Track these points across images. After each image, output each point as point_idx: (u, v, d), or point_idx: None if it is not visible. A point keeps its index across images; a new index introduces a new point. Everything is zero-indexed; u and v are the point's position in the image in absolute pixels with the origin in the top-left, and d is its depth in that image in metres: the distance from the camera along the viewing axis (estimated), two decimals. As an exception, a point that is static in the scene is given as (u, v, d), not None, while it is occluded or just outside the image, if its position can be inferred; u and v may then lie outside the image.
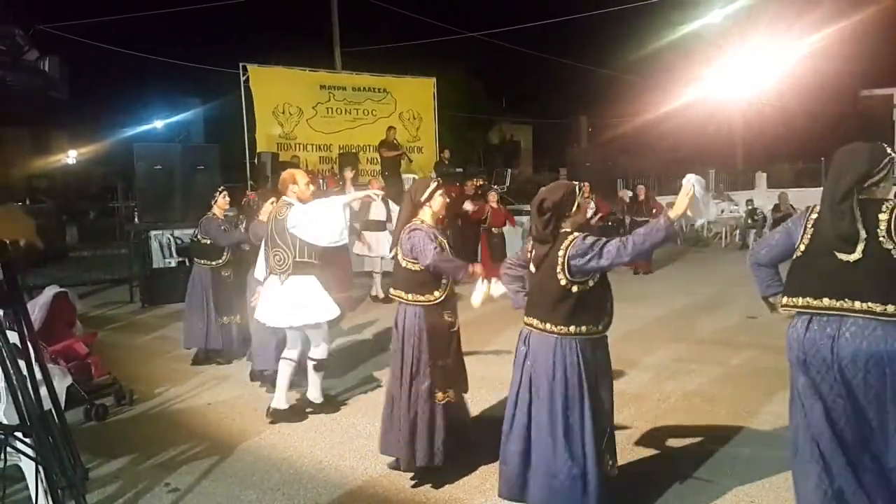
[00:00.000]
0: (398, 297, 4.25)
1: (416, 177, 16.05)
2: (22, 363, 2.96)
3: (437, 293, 4.16)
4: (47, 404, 3.05)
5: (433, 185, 4.30)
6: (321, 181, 14.00)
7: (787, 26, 22.78)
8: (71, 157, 39.03)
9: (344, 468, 4.46)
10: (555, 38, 26.41)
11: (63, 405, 4.53)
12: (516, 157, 24.73)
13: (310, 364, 5.39)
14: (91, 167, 38.40)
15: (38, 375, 3.04)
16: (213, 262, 7.13)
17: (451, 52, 24.47)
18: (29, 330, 3.09)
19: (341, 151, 17.00)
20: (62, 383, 5.23)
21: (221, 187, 7.48)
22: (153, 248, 11.85)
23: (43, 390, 3.05)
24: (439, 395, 4.11)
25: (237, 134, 16.87)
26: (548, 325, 3.44)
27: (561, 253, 3.38)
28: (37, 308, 5.74)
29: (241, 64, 16.43)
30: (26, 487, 3.66)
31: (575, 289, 3.37)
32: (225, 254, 7.13)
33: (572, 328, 3.40)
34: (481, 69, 30.79)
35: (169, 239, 12.02)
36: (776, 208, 16.40)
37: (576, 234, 3.43)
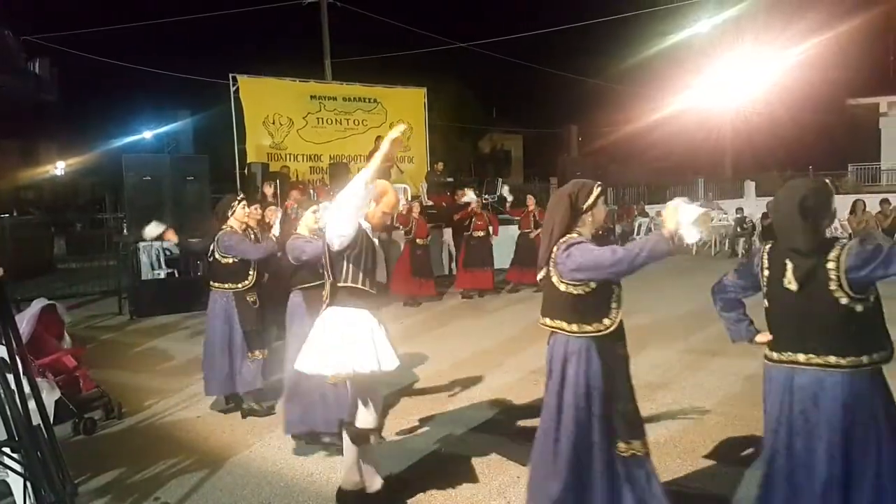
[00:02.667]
0: (558, 328, 3.35)
1: (407, 187, 16.08)
2: (10, 377, 2.93)
3: (606, 321, 3.33)
4: (35, 419, 3.01)
5: (597, 189, 3.44)
6: (311, 192, 13.98)
7: (775, 36, 22.99)
8: (59, 168, 38.90)
9: (335, 481, 4.41)
10: (545, 48, 26.64)
11: (51, 419, 4.48)
12: (507, 166, 24.82)
13: (345, 432, 4.07)
14: (79, 178, 38.27)
15: (27, 389, 3.01)
16: (240, 285, 5.78)
17: (442, 63, 24.61)
18: (17, 343, 3.06)
19: (332, 162, 17.00)
20: (50, 397, 5.18)
21: (241, 195, 6.23)
22: (142, 259, 11.78)
23: (31, 404, 3.02)
24: (621, 445, 3.30)
25: (227, 144, 16.86)
26: (832, 358, 2.90)
27: (832, 265, 2.88)
28: (24, 321, 5.68)
29: (230, 74, 16.43)
30: (14, 503, 3.62)
31: (859, 308, 2.88)
32: (251, 273, 5.81)
33: (864, 358, 2.89)
34: (472, 79, 30.97)
35: (158, 250, 11.96)
36: (765, 216, 16.52)
37: (848, 240, 2.96)
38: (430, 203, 15.89)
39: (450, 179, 17.01)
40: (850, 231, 15.33)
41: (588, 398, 3.24)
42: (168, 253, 12.04)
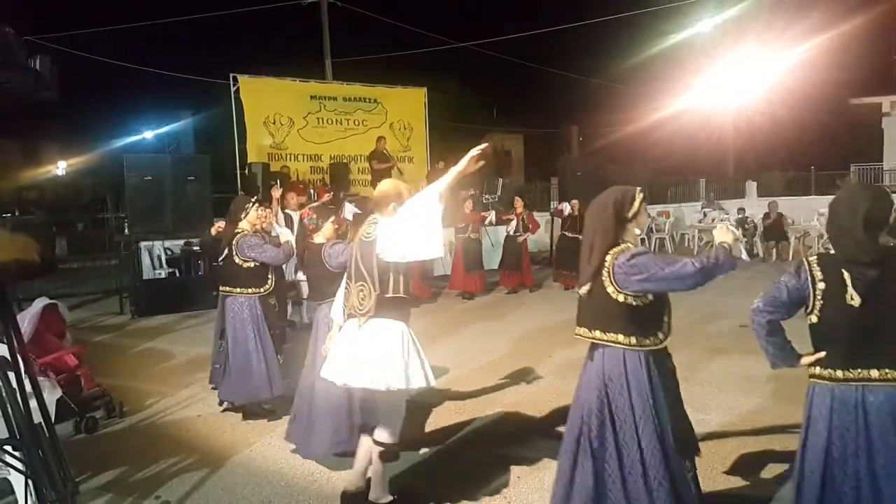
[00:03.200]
0: (612, 341, 3.19)
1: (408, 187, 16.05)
2: (11, 375, 2.93)
3: (661, 334, 3.24)
4: (37, 417, 3.01)
5: (639, 195, 3.33)
6: (311, 192, 13.99)
7: (777, 36, 22.98)
8: (61, 168, 38.93)
9: (336, 480, 4.42)
10: (546, 48, 26.60)
11: (53, 418, 4.49)
12: (508, 166, 24.83)
13: (374, 449, 3.97)
14: (81, 178, 38.28)
15: (28, 388, 3.01)
16: (262, 289, 5.66)
17: (443, 63, 24.60)
18: (18, 342, 3.06)
19: (332, 162, 17.00)
20: (52, 396, 5.18)
21: (256, 197, 6.05)
22: (143, 259, 11.79)
23: (33, 403, 3.02)
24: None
25: (228, 144, 16.85)
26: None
27: None
28: (26, 320, 5.69)
29: (231, 74, 16.42)
30: (16, 501, 3.62)
31: None
32: (270, 276, 5.74)
33: None
34: (473, 79, 30.95)
35: (159, 250, 11.97)
36: (766, 216, 16.51)
37: None
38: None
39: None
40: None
41: (649, 414, 3.12)
42: (169, 252, 12.05)
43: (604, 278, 3.16)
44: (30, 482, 2.88)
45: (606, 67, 27.65)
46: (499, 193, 17.88)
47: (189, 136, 19.86)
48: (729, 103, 25.26)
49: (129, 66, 20.66)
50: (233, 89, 16.37)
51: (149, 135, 32.12)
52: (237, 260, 5.59)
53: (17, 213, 23.32)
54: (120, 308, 11.36)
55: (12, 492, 3.67)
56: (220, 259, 5.81)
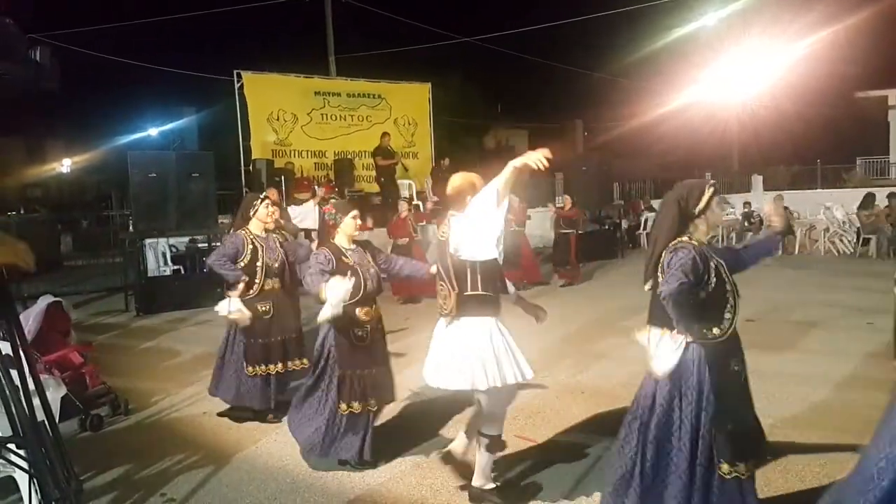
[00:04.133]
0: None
1: (412, 182, 16.05)
2: (14, 374, 2.93)
3: (716, 330, 3.15)
4: (41, 415, 3.01)
5: (709, 189, 3.24)
6: (316, 188, 13.97)
7: (782, 29, 22.85)
8: (65, 165, 39.03)
9: (342, 477, 4.41)
10: (550, 42, 26.56)
11: (58, 416, 4.49)
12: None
13: (481, 441, 3.98)
14: (85, 176, 38.36)
15: (32, 386, 3.01)
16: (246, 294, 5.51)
17: (447, 58, 24.56)
18: (21, 340, 3.06)
19: (336, 158, 17.01)
20: (57, 393, 5.19)
21: (264, 194, 5.90)
22: (148, 256, 11.80)
23: (36, 401, 3.02)
24: (724, 467, 3.13)
25: (232, 141, 16.87)
26: None
27: None
28: (31, 318, 5.69)
29: (235, 71, 16.43)
30: (20, 499, 3.62)
31: None
32: (257, 283, 5.52)
33: None
34: (477, 74, 30.87)
35: (164, 247, 11.98)
36: (772, 211, 16.42)
37: None
38: (437, 199, 15.86)
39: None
40: (859, 225, 15.24)
41: (696, 411, 3.10)
42: (174, 250, 12.06)
43: (660, 275, 3.17)
44: (34, 480, 2.88)
45: (611, 62, 27.57)
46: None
47: (193, 133, 19.95)
48: (734, 97, 25.16)
49: (132, 63, 20.67)
50: (236, 86, 16.39)
51: (153, 132, 32.24)
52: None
53: (21, 212, 23.35)
54: (125, 305, 11.37)
55: (17, 490, 3.67)
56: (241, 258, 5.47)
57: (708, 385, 3.09)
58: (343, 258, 4.42)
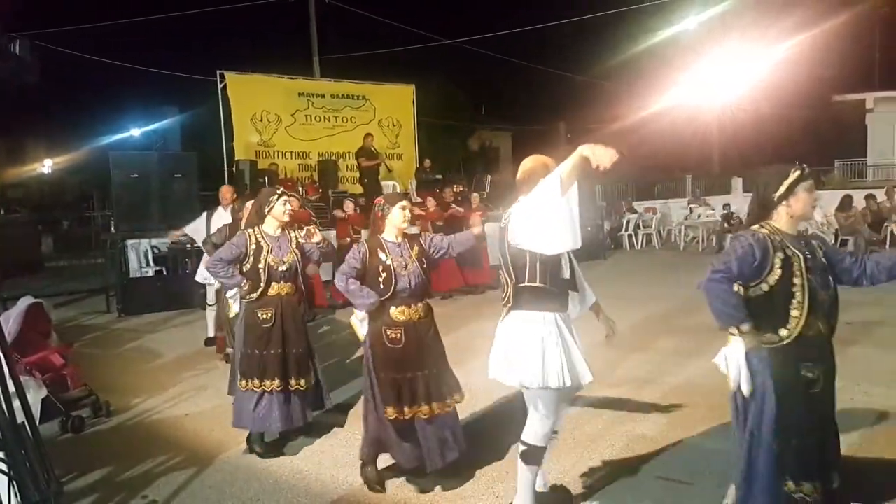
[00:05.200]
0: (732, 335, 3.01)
1: (396, 184, 16.06)
2: (-6, 375, 2.92)
3: (783, 331, 2.91)
4: (21, 417, 3.00)
5: (794, 174, 2.94)
6: (300, 189, 13.96)
7: (762, 33, 23.11)
8: (46, 166, 38.64)
9: (325, 478, 4.43)
10: (534, 45, 26.64)
11: (38, 418, 4.47)
12: (496, 163, 24.84)
13: (518, 447, 3.66)
14: (66, 176, 38.03)
15: (11, 388, 3.00)
16: (249, 297, 5.04)
17: (431, 60, 24.58)
18: (1, 341, 3.05)
19: (320, 159, 16.97)
20: (37, 395, 5.16)
21: (281, 189, 5.24)
22: (130, 257, 11.73)
23: (16, 403, 3.01)
24: (790, 485, 2.94)
25: (215, 142, 16.80)
26: None
27: None
28: (11, 319, 5.66)
29: (218, 71, 16.36)
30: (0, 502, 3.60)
31: None
32: (262, 286, 4.97)
33: None
34: (460, 76, 30.95)
35: (146, 248, 11.91)
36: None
37: None
38: (419, 200, 15.89)
39: (438, 177, 17.02)
40: (836, 226, 15.44)
41: (758, 423, 2.88)
42: (156, 251, 11.99)
43: None
44: (13, 483, 2.87)
45: (593, 64, 27.74)
46: (487, 190, 17.89)
47: (176, 134, 19.86)
48: (714, 100, 25.40)
49: (115, 63, 20.52)
50: (220, 86, 16.31)
51: (135, 132, 31.99)
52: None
53: (2, 212, 23.13)
54: (106, 307, 11.29)
55: (-3, 492, 3.65)
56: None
57: (770, 393, 2.85)
58: (378, 254, 4.13)
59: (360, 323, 4.22)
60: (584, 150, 3.14)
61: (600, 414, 5.32)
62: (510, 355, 3.47)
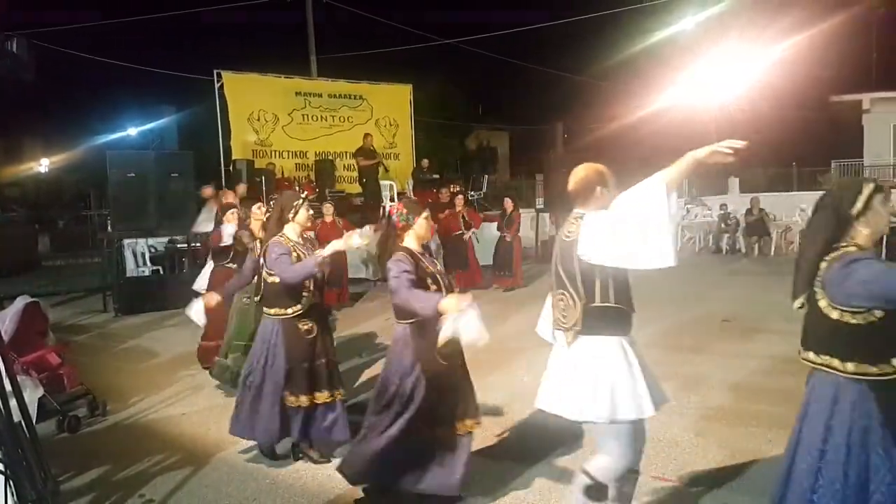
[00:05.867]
0: (826, 365, 2.67)
1: (393, 184, 16.09)
2: (-9, 375, 2.92)
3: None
4: (17, 416, 3.01)
5: (867, 188, 2.72)
6: (297, 188, 13.96)
7: (759, 33, 23.14)
8: (43, 165, 38.61)
9: (321, 477, 4.43)
10: (531, 45, 26.66)
11: (35, 417, 4.47)
12: (493, 163, 24.90)
13: (579, 479, 3.29)
14: (63, 175, 38.00)
15: (8, 387, 3.01)
16: (289, 311, 4.53)
17: (428, 59, 24.59)
18: (-2, 341, 3.05)
19: (317, 158, 16.99)
20: (34, 394, 5.16)
21: (305, 193, 5.00)
22: (127, 256, 11.72)
23: (12, 402, 3.01)
24: None
25: (212, 141, 16.81)
26: None
27: None
28: (7, 318, 5.66)
29: (215, 71, 16.36)
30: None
31: None
32: (305, 295, 4.58)
33: None
34: (458, 76, 30.99)
35: (143, 247, 11.91)
36: (749, 213, 16.65)
37: None
38: (416, 200, 15.88)
39: (436, 176, 17.04)
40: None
41: (858, 464, 2.56)
42: (153, 250, 11.99)
43: (816, 290, 2.67)
44: (10, 482, 2.87)
45: (591, 64, 27.83)
46: (484, 190, 17.92)
47: (173, 133, 19.86)
48: (712, 100, 25.43)
49: (112, 62, 20.50)
50: (217, 86, 16.31)
51: (132, 131, 31.95)
52: (264, 272, 4.56)
53: (-2, 211, 23.10)
54: (103, 306, 11.29)
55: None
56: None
57: (875, 432, 2.55)
58: (421, 264, 3.80)
59: (465, 325, 3.37)
60: (697, 153, 3.00)
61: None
62: (573, 385, 3.11)
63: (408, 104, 18.83)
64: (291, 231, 4.62)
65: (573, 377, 3.13)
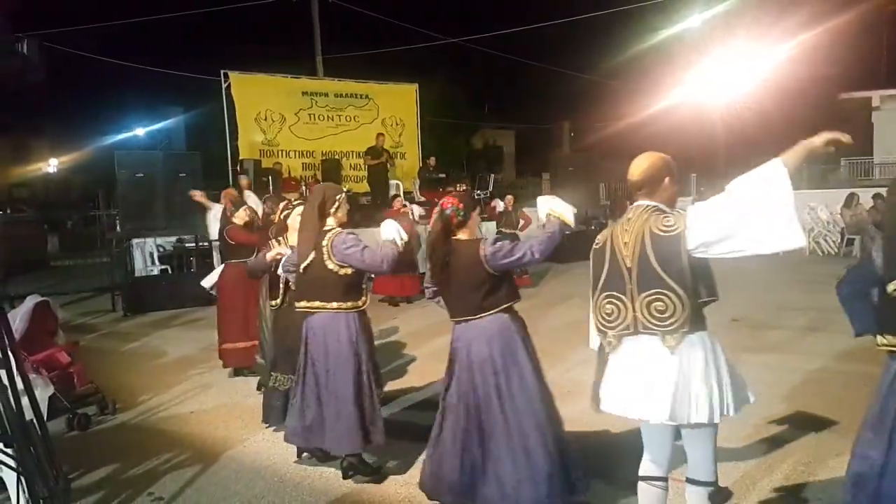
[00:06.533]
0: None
1: (399, 182, 16.11)
2: (2, 373, 2.94)
3: None
4: (29, 414, 3.03)
5: None
6: (304, 188, 13.99)
7: (767, 30, 23.06)
8: (52, 165, 38.81)
9: (329, 475, 4.44)
10: (537, 43, 26.65)
11: (45, 415, 4.50)
12: (499, 162, 24.89)
13: (691, 491, 3.10)
14: (72, 175, 38.19)
15: (20, 385, 3.03)
16: (360, 303, 4.36)
17: (434, 59, 24.60)
18: (10, 339, 3.08)
19: (324, 158, 17.01)
20: (44, 393, 5.19)
21: (345, 187, 4.88)
22: (135, 256, 11.79)
23: (24, 400, 3.04)
24: None
25: (219, 141, 16.85)
26: None
27: None
28: (18, 318, 5.69)
29: (222, 71, 16.40)
30: (7, 499, 3.63)
31: None
32: (365, 287, 4.42)
33: None
34: (464, 75, 30.98)
35: (151, 247, 11.97)
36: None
37: None
38: (423, 199, 15.92)
39: (442, 175, 17.05)
40: (842, 225, 15.40)
41: None
42: (161, 250, 12.04)
43: None
44: (22, 479, 2.89)
45: (597, 63, 27.80)
46: (490, 189, 17.91)
47: (180, 133, 19.93)
48: (719, 98, 25.35)
49: (120, 63, 20.59)
50: (224, 86, 16.35)
51: (140, 132, 32.08)
52: (330, 265, 4.20)
53: (7, 211, 23.22)
54: (112, 305, 11.35)
55: (4, 489, 3.68)
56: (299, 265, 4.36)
57: None
58: None
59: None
60: (815, 140, 2.84)
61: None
62: (687, 388, 2.87)
63: (414, 103, 18.83)
64: (333, 225, 4.32)
65: (678, 379, 2.87)
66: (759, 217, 2.72)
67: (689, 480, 3.09)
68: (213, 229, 8.95)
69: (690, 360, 2.88)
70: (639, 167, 3.12)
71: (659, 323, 2.90)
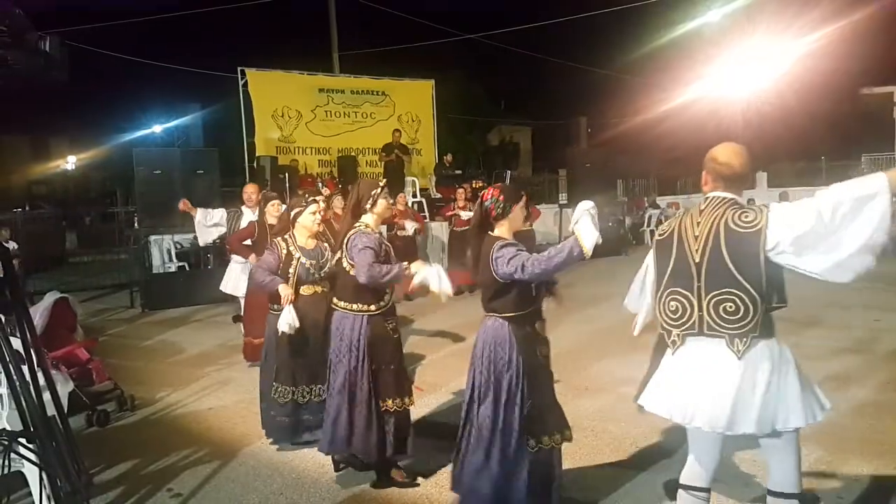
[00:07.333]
0: None
1: (415, 179, 16.10)
2: (24, 369, 2.95)
3: None
4: (51, 410, 3.04)
5: None
6: (320, 184, 14.01)
7: (787, 25, 22.78)
8: (70, 162, 39.17)
9: (348, 472, 4.43)
10: (554, 39, 26.45)
11: (66, 411, 4.52)
12: (516, 158, 24.83)
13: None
14: (90, 172, 38.53)
15: (42, 381, 3.04)
16: (372, 306, 4.19)
17: (450, 55, 24.53)
18: (31, 335, 3.08)
19: (340, 155, 17.03)
20: (64, 389, 5.20)
21: (384, 181, 4.46)
22: (153, 252, 11.86)
23: (46, 396, 3.04)
24: None
25: (236, 138, 16.92)
26: None
27: None
28: (38, 314, 5.72)
29: (239, 68, 16.45)
30: (29, 494, 3.65)
31: None
32: (388, 290, 4.25)
33: None
34: (480, 71, 30.93)
35: (169, 244, 12.03)
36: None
37: None
38: (439, 196, 15.89)
39: (458, 172, 17.02)
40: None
41: None
42: (179, 246, 12.10)
43: None
44: (44, 475, 2.90)
45: (614, 58, 27.51)
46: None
47: (198, 130, 19.96)
48: (738, 94, 25.10)
49: (137, 60, 20.71)
50: (241, 83, 16.41)
51: (158, 129, 32.24)
52: (345, 263, 4.14)
53: (27, 208, 23.45)
54: (130, 302, 11.42)
55: (26, 484, 3.70)
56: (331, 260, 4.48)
57: None
58: None
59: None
60: None
61: (620, 411, 5.28)
62: (762, 396, 2.71)
63: (430, 100, 18.81)
64: (371, 222, 4.21)
65: (741, 387, 2.71)
66: (846, 243, 2.55)
67: (771, 493, 2.90)
68: (202, 234, 8.64)
69: (756, 368, 2.71)
70: (738, 156, 2.92)
71: (727, 325, 2.73)
